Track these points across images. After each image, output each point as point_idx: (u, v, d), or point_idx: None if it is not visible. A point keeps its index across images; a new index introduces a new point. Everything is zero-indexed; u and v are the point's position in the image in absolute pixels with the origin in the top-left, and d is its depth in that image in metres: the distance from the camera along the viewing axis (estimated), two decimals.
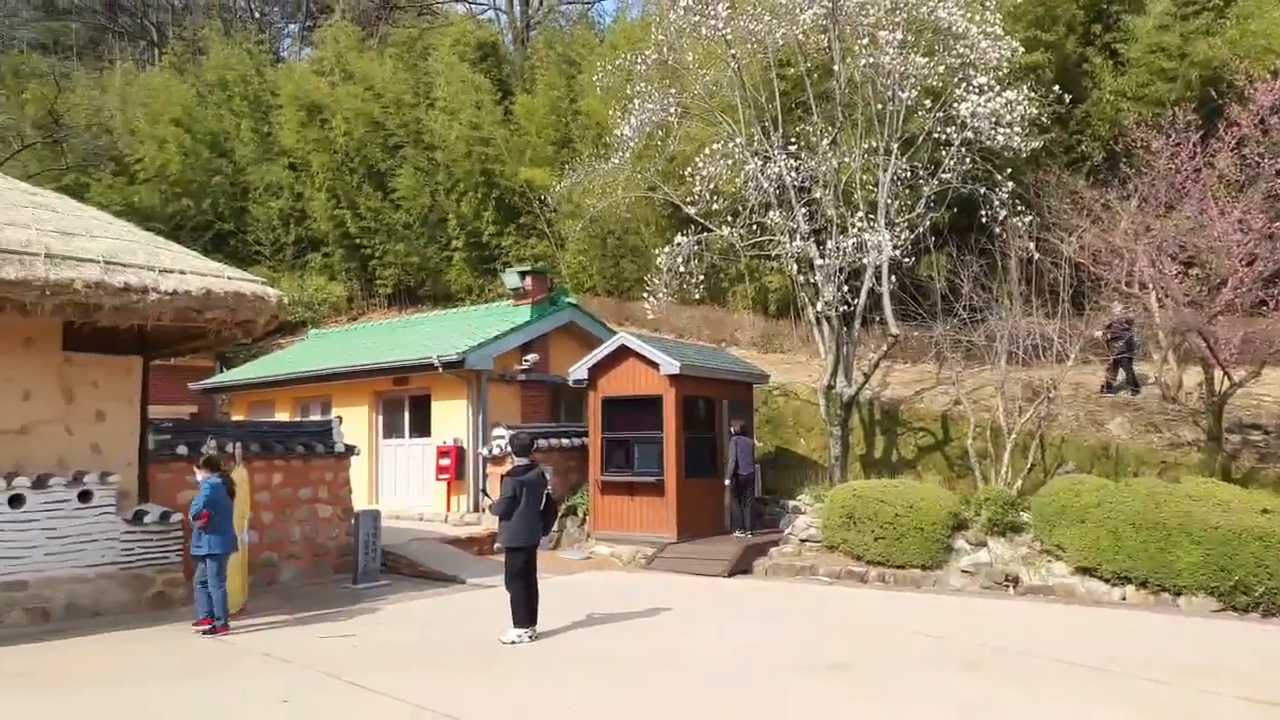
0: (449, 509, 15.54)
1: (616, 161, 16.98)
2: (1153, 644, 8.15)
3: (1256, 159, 12.51)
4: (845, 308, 14.71)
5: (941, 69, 14.46)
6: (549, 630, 8.48)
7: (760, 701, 6.36)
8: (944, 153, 14.61)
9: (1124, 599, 10.21)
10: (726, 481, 13.74)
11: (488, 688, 6.77)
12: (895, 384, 17.06)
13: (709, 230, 15.86)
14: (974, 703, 6.30)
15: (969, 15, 14.48)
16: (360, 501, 13.49)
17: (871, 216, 14.42)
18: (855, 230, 14.24)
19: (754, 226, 15.42)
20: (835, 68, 14.91)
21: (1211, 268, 12.49)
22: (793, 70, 16.00)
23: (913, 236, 14.86)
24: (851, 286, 14.65)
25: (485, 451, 14.73)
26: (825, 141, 14.78)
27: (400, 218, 26.51)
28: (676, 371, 13.27)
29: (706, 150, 15.70)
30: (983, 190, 14.79)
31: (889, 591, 11.16)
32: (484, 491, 12.31)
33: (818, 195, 14.91)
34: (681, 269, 15.64)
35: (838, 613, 9.72)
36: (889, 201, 14.56)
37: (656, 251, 16.42)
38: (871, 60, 14.45)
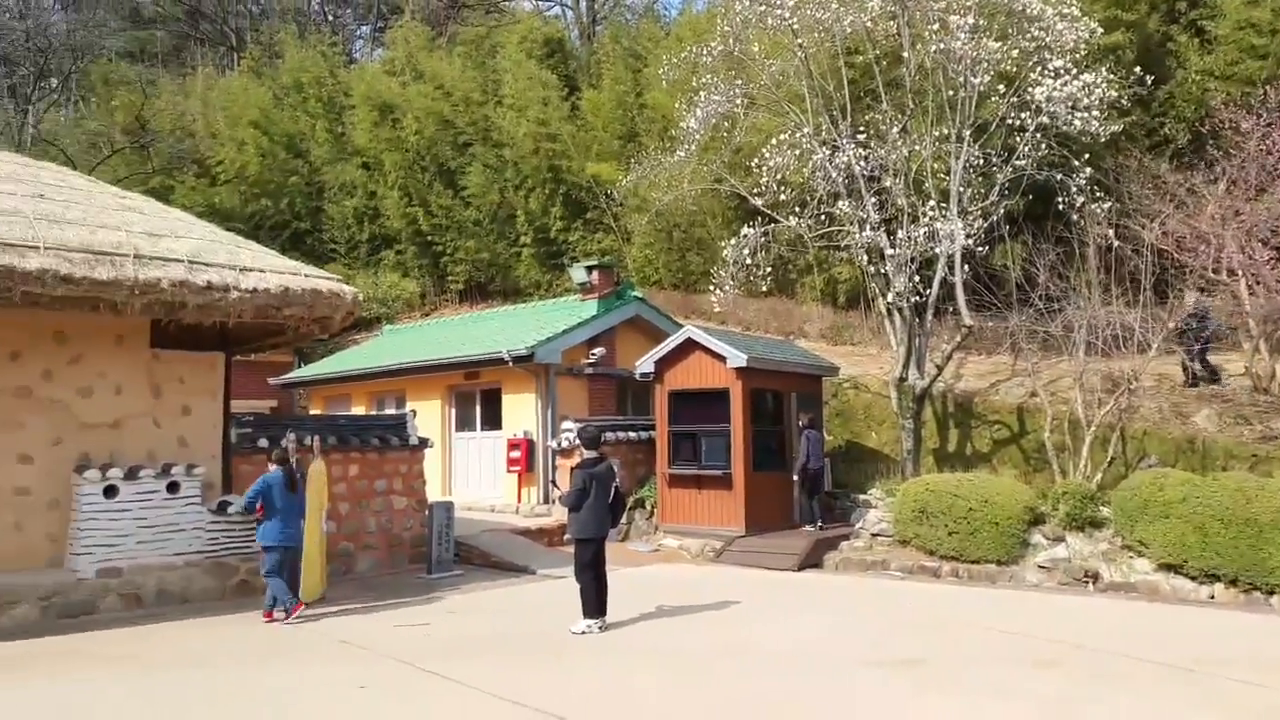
0: (519, 501, 15.75)
1: (682, 154, 16.96)
2: (1242, 644, 7.85)
3: None
4: (917, 298, 14.47)
5: (1015, 53, 14.10)
6: (618, 621, 8.54)
7: (829, 695, 6.32)
8: (1018, 139, 14.26)
9: (1212, 598, 9.85)
10: (795, 475, 13.65)
11: (558, 677, 6.85)
12: (969, 376, 16.72)
13: (776, 221, 15.74)
14: (1052, 700, 6.15)
15: None
16: (434, 494, 13.74)
17: (943, 205, 14.15)
18: (927, 219, 13.99)
19: (822, 217, 15.25)
20: (905, 54, 14.66)
21: None
22: (861, 58, 15.78)
23: (986, 225, 14.54)
24: (923, 276, 14.41)
25: (554, 444, 14.88)
26: (895, 129, 14.54)
27: (470, 214, 26.90)
28: (744, 364, 13.21)
29: (773, 141, 15.57)
30: (1059, 176, 14.38)
31: (962, 587, 10.96)
32: (553, 482, 12.46)
33: (887, 184, 14.68)
34: (748, 261, 15.55)
35: (910, 608, 9.59)
36: (961, 189, 14.27)
37: (723, 244, 16.36)
38: (942, 46, 14.16)
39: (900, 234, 14.15)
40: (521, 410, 16.01)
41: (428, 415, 16.31)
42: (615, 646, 7.78)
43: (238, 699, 6.28)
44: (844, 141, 14.68)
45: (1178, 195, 13.50)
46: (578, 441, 9.27)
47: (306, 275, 10.19)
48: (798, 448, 13.60)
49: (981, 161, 14.81)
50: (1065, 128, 13.99)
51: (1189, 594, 9.96)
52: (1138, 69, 15.28)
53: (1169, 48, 17.87)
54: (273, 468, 9.31)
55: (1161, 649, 7.50)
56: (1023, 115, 14.06)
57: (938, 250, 13.99)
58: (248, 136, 29.98)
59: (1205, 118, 15.13)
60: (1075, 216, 14.34)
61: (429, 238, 27.64)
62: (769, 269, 15.93)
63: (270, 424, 11.76)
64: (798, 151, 15.30)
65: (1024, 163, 14.24)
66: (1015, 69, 14.19)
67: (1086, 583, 10.57)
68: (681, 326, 14.92)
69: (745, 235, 15.56)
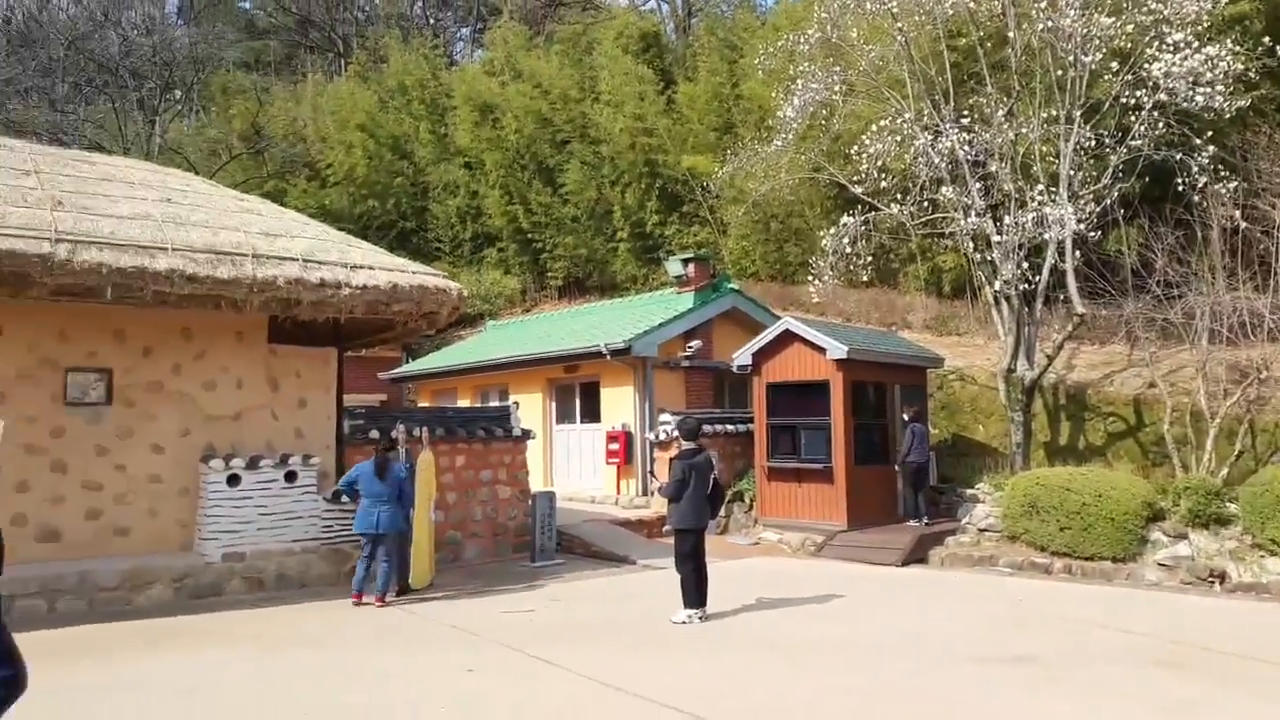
0: (618, 492, 15.91)
1: (779, 144, 16.77)
2: None
3: None
4: (1025, 286, 13.98)
5: (1130, 28, 13.43)
6: (718, 612, 8.55)
7: (939, 690, 6.19)
8: (1133, 118, 13.60)
9: None
10: (898, 469, 13.38)
11: (659, 664, 6.91)
12: (1081, 366, 16.09)
13: (877, 209, 15.44)
14: (1175, 703, 5.89)
15: None
16: (535, 484, 14.00)
17: (1052, 189, 13.63)
18: (1035, 204, 13.49)
19: (925, 204, 14.88)
20: (1010, 35, 14.16)
21: None
22: (964, 41, 15.31)
23: (1099, 209, 13.91)
24: (1032, 264, 13.92)
25: (653, 436, 14.97)
26: (1000, 113, 14.08)
27: (569, 211, 27.26)
28: (844, 356, 13.02)
29: (873, 127, 15.26)
30: (1179, 156, 13.65)
31: (1076, 584, 10.58)
32: (651, 472, 12.55)
33: (993, 169, 14.22)
34: (848, 250, 15.29)
35: (1020, 604, 9.29)
36: (1071, 173, 13.70)
37: (821, 234, 16.13)
38: (1050, 24, 13.61)
39: (1007, 220, 13.70)
40: (620, 403, 16.16)
41: (529, 408, 16.63)
42: (716, 636, 7.80)
43: (351, 680, 6.53)
44: (947, 126, 14.29)
45: None
46: (676, 434, 9.31)
47: (414, 272, 10.52)
48: (903, 441, 13.34)
49: (1093, 143, 14.18)
50: (1186, 104, 13.26)
51: None
52: (1267, 39, 14.37)
53: None
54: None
55: None
56: (1138, 93, 13.39)
57: (1047, 236, 13.47)
58: (355, 139, 31.05)
59: None
60: (1197, 198, 13.61)
61: (529, 235, 28.13)
62: (869, 258, 15.62)
63: (380, 416, 12.18)
64: (898, 138, 14.96)
65: (1140, 143, 13.57)
66: (1130, 45, 13.53)
67: (1212, 583, 10.07)
68: (779, 318, 14.78)
69: (844, 224, 15.30)
